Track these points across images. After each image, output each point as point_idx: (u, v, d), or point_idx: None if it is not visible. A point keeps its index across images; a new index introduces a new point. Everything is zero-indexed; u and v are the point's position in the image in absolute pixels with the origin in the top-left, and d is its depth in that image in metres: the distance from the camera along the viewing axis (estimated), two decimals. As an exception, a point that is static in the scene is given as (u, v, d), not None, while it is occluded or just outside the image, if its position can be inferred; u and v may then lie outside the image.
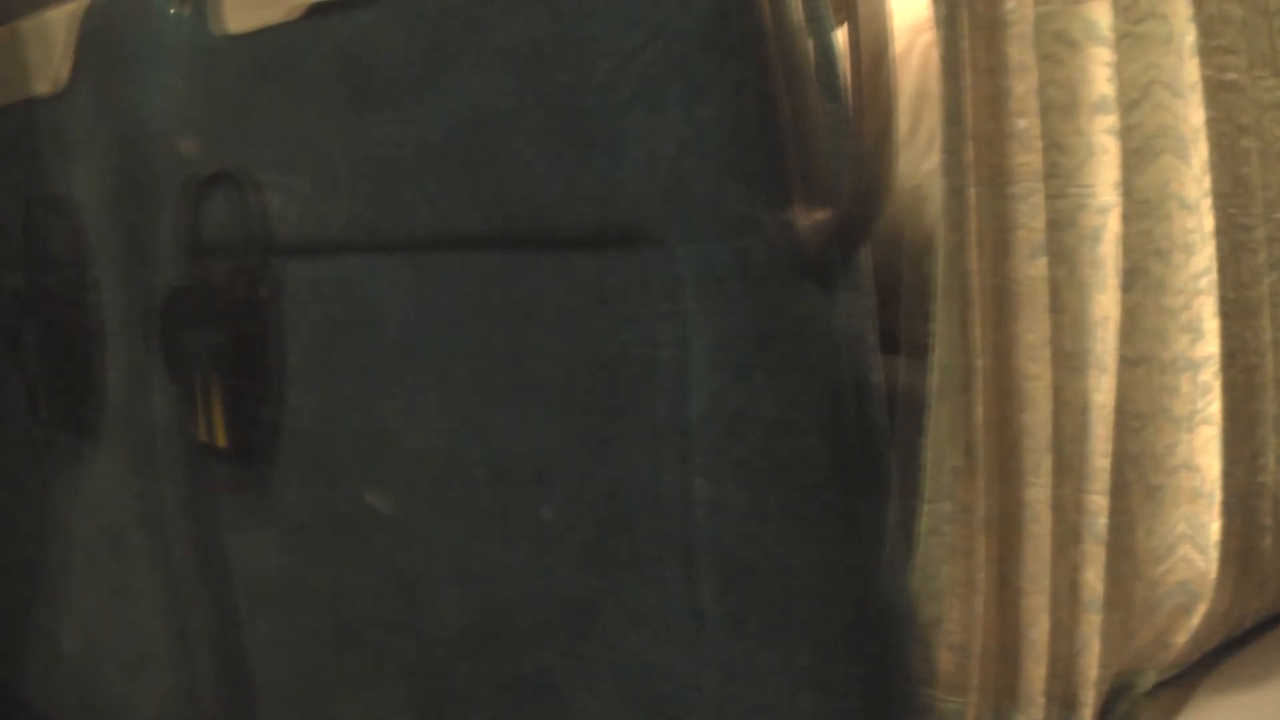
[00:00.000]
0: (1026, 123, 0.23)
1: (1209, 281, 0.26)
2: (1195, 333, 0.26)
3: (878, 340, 0.24)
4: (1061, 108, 0.24)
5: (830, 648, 0.24)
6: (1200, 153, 0.25)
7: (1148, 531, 0.26)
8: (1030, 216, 0.24)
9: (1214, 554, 0.26)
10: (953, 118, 0.23)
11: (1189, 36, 0.25)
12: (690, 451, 0.24)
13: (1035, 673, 0.25)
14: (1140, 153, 0.25)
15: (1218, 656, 0.28)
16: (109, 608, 0.42)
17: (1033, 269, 0.24)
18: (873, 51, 0.22)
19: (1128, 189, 0.25)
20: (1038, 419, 0.24)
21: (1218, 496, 0.26)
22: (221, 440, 0.34)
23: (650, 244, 0.23)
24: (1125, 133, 0.24)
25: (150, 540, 0.39)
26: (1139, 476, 0.26)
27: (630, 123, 0.23)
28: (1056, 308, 0.24)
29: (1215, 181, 0.26)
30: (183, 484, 0.37)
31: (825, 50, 0.23)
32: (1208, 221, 0.26)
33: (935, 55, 0.24)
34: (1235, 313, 0.27)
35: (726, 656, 0.25)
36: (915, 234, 0.26)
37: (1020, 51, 0.23)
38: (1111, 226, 0.24)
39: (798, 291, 0.23)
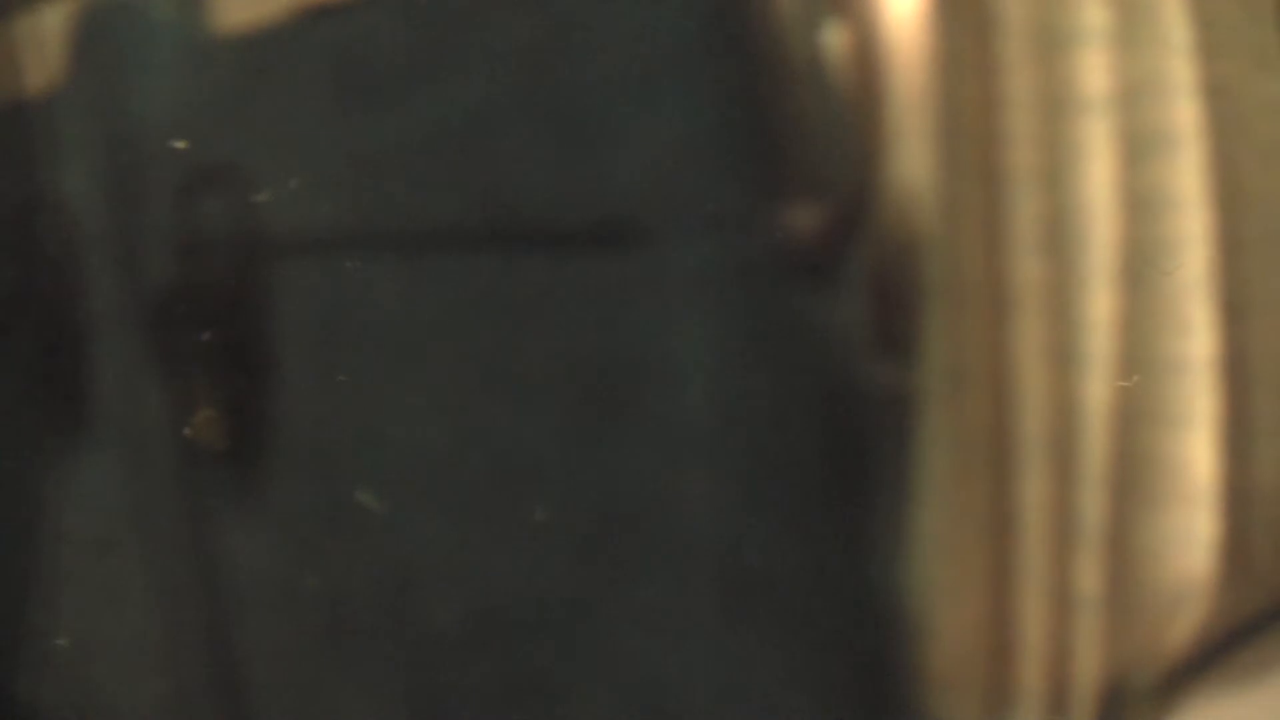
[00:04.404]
0: (1020, 121, 0.23)
1: (1202, 282, 0.26)
2: (1189, 333, 0.26)
3: (872, 339, 0.24)
4: (1055, 106, 0.24)
5: (824, 647, 0.24)
6: (1194, 153, 0.25)
7: (1142, 531, 0.26)
8: (1024, 216, 0.24)
9: (1209, 554, 0.26)
10: (946, 116, 0.23)
11: (1183, 36, 0.25)
12: (685, 450, 0.24)
13: (1030, 673, 0.25)
14: (1134, 152, 0.25)
15: (1213, 657, 0.28)
16: (103, 609, 0.42)
17: (1026, 268, 0.24)
18: (867, 49, 0.22)
19: (1121, 188, 0.25)
20: (1032, 419, 0.24)
21: (1212, 497, 0.26)
22: (216, 440, 0.34)
23: (644, 242, 0.24)
24: (1119, 132, 0.24)
25: (144, 541, 0.39)
26: (1133, 476, 0.26)
27: (624, 121, 0.23)
28: (1050, 307, 0.24)
29: (1209, 182, 0.26)
30: (177, 484, 0.37)
31: (820, 48, 0.23)
32: (1201, 222, 0.26)
33: (929, 53, 0.24)
34: (1229, 313, 0.27)
35: (721, 656, 0.25)
36: (909, 233, 0.26)
37: (1014, 49, 0.23)
38: (1105, 226, 0.24)
39: (792, 290, 0.23)
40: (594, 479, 0.25)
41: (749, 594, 0.23)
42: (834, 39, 0.23)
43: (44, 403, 0.39)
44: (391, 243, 0.27)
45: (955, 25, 0.22)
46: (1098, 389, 0.24)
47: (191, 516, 0.34)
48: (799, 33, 0.22)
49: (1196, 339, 0.25)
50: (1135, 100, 0.24)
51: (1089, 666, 0.24)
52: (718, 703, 0.24)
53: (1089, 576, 0.24)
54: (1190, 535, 0.25)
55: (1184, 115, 0.24)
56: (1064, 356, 0.24)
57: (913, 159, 0.27)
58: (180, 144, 0.32)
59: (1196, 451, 0.25)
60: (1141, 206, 0.24)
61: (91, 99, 0.35)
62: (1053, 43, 0.23)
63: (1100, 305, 0.23)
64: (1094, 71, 0.23)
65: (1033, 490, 0.23)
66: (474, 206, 0.26)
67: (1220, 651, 0.28)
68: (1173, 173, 0.24)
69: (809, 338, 0.22)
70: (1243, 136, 0.26)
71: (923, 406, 0.24)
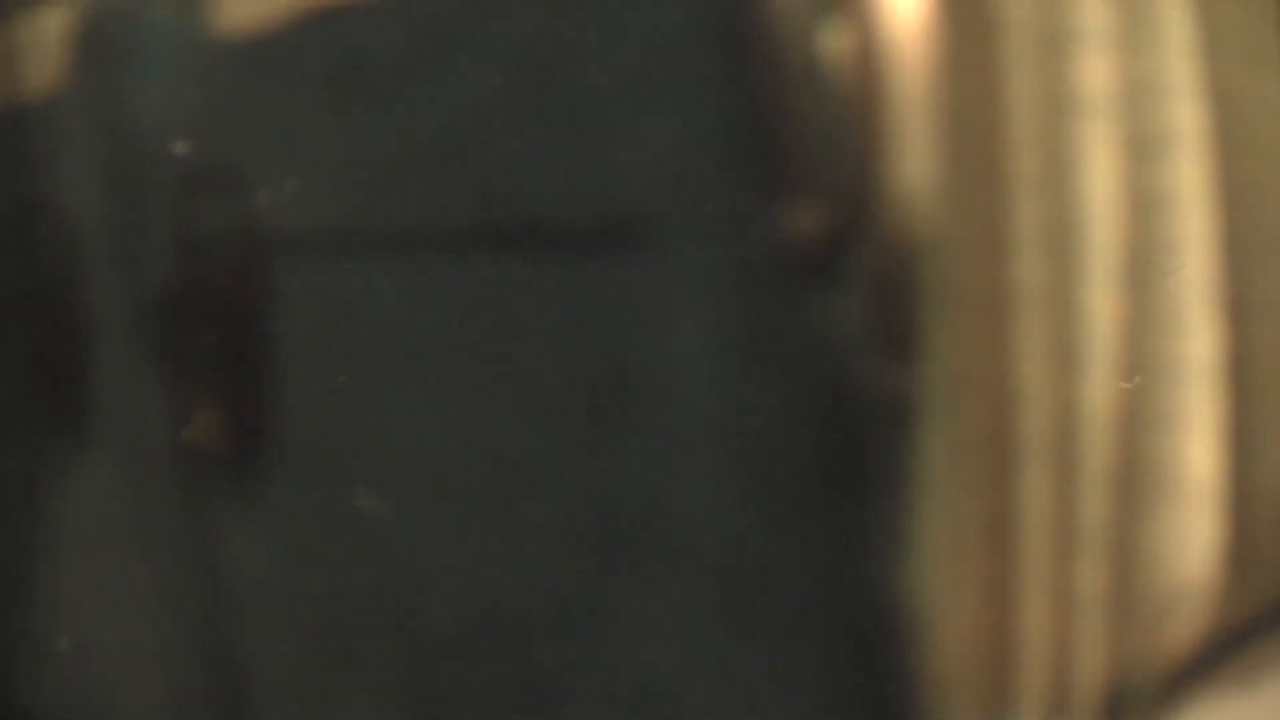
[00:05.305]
0: (1022, 123, 0.23)
1: (1205, 283, 0.26)
2: (1191, 334, 0.26)
3: (873, 341, 0.24)
4: (1057, 107, 0.24)
5: (826, 649, 0.24)
6: (1196, 154, 0.25)
7: (1144, 534, 0.26)
8: (1025, 217, 0.23)
9: (1211, 556, 0.26)
10: (948, 117, 0.23)
11: (1185, 37, 0.25)
12: (685, 452, 0.24)
13: (1031, 675, 0.25)
14: (1136, 154, 0.25)
15: (1215, 658, 0.28)
16: (103, 611, 0.41)
17: (1028, 270, 0.24)
18: (869, 50, 0.22)
19: (1124, 189, 0.25)
20: (1033, 421, 0.24)
21: (1215, 499, 0.26)
22: (215, 442, 0.34)
23: (643, 243, 0.23)
24: (1121, 133, 0.24)
25: (144, 543, 0.39)
26: (1136, 478, 0.26)
27: (624, 122, 0.23)
28: (1052, 309, 0.24)
29: (1211, 183, 0.26)
30: (177, 486, 0.37)
31: (821, 48, 0.23)
32: (1204, 223, 0.26)
33: (931, 54, 0.24)
34: (1231, 314, 0.27)
35: (721, 658, 0.25)
36: (910, 234, 0.26)
37: (1016, 51, 0.23)
38: (1107, 227, 0.24)
39: (792, 291, 0.23)
40: (595, 480, 0.24)
41: (749, 596, 0.23)
42: (835, 39, 0.23)
43: (43, 404, 0.39)
44: (392, 244, 0.27)
45: (957, 26, 0.22)
46: (1100, 391, 0.23)
47: (191, 518, 0.34)
48: (800, 33, 0.22)
49: (1199, 340, 0.25)
50: (1137, 102, 0.24)
51: (1091, 668, 0.24)
52: (717, 705, 0.24)
53: (1091, 579, 0.24)
54: (1192, 537, 0.25)
55: (1186, 117, 0.24)
56: (1066, 358, 0.24)
57: (914, 160, 0.27)
58: (180, 145, 0.32)
59: (1199, 453, 0.25)
60: (1144, 208, 0.24)
61: (91, 100, 0.35)
62: (1055, 44, 0.23)
63: (1102, 307, 0.23)
64: (1096, 73, 0.23)
65: (1034, 492, 0.23)
66: (474, 208, 0.26)
67: (1223, 653, 0.28)
68: (1175, 174, 0.24)
69: (810, 339, 0.22)
70: (1245, 138, 0.26)
71: (924, 409, 0.24)
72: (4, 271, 0.40)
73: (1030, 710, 0.24)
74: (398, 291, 0.28)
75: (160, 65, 0.33)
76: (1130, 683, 0.26)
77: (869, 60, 0.21)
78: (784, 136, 0.22)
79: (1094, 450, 0.24)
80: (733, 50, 0.22)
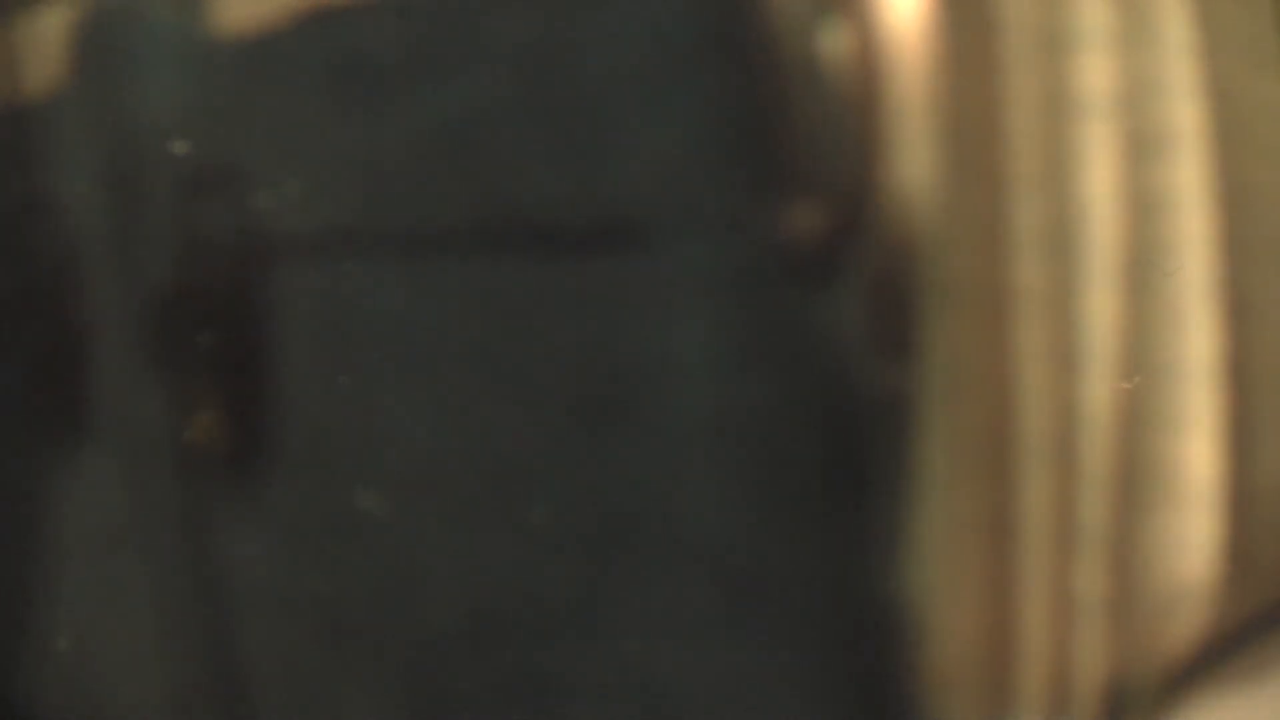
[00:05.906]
0: (1022, 123, 0.23)
1: (1205, 283, 0.26)
2: (1191, 334, 0.26)
3: (872, 341, 0.24)
4: (1057, 107, 0.24)
5: (826, 649, 0.24)
6: (1196, 153, 0.25)
7: (1144, 534, 0.26)
8: (1025, 217, 0.23)
9: (1211, 556, 0.26)
10: (948, 117, 0.23)
11: (1184, 37, 0.25)
12: (684, 452, 0.24)
13: (1031, 675, 0.25)
14: (1136, 153, 0.25)
15: (1215, 658, 0.28)
16: (103, 611, 0.41)
17: (1027, 270, 0.24)
18: (869, 50, 0.22)
19: (1123, 190, 0.25)
20: (1033, 421, 0.24)
21: (1214, 498, 0.26)
22: (216, 443, 0.34)
23: (643, 243, 0.23)
24: (1121, 133, 0.24)
25: (144, 543, 0.39)
26: (1135, 479, 0.26)
27: (623, 122, 0.23)
28: (1051, 309, 0.24)
29: (1211, 182, 0.26)
30: (177, 487, 0.37)
31: (821, 48, 0.23)
32: (1204, 223, 0.26)
33: (931, 54, 0.24)
34: (1231, 314, 0.27)
35: (721, 657, 0.25)
36: (909, 234, 0.26)
37: (1016, 51, 0.23)
38: (1107, 227, 0.24)
39: (792, 291, 0.23)
40: (595, 480, 0.24)
41: (749, 596, 0.23)
42: (835, 39, 0.23)
43: (44, 405, 0.38)
44: (393, 244, 0.27)
45: (957, 26, 0.22)
46: (1099, 391, 0.23)
47: (192, 519, 0.34)
48: (799, 33, 0.22)
49: (1198, 340, 0.25)
50: (1137, 102, 0.24)
51: (1091, 668, 0.24)
52: (717, 704, 0.24)
53: (1090, 579, 0.24)
54: (1192, 537, 0.25)
55: (1186, 117, 0.24)
56: (1065, 358, 0.24)
57: (914, 160, 0.27)
58: (180, 145, 0.32)
59: (1199, 453, 0.25)
60: (1143, 208, 0.24)
61: (92, 100, 0.35)
62: (1055, 44, 0.23)
63: (1102, 307, 0.23)
64: (1096, 73, 0.23)
65: (1034, 492, 0.23)
66: (475, 208, 0.26)
67: (1222, 653, 0.28)
68: (1175, 174, 0.24)
69: (809, 339, 0.22)
70: (1245, 138, 0.26)
71: (923, 408, 0.24)
72: (4, 271, 0.40)
73: (1030, 710, 0.24)
74: (398, 292, 0.28)
75: (160, 65, 0.33)
76: (1130, 683, 0.26)
77: (869, 60, 0.21)
78: (784, 137, 0.22)
79: (1094, 450, 0.24)
80: (732, 50, 0.22)
